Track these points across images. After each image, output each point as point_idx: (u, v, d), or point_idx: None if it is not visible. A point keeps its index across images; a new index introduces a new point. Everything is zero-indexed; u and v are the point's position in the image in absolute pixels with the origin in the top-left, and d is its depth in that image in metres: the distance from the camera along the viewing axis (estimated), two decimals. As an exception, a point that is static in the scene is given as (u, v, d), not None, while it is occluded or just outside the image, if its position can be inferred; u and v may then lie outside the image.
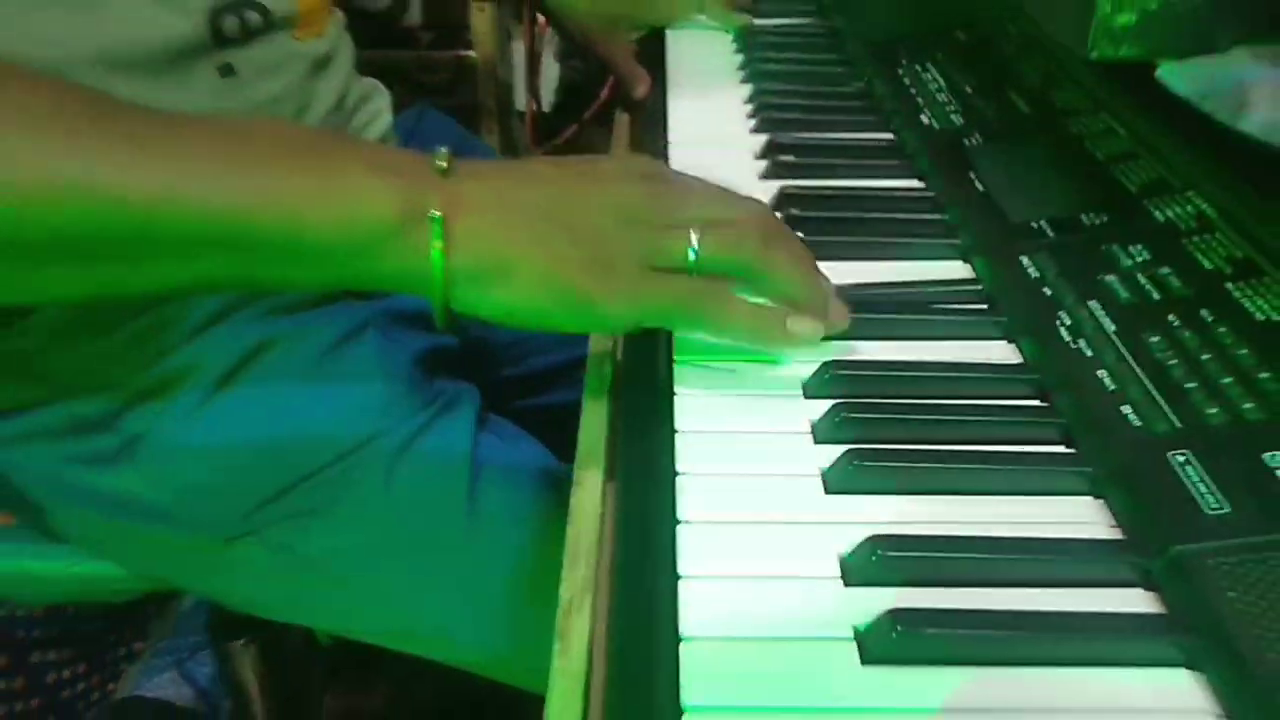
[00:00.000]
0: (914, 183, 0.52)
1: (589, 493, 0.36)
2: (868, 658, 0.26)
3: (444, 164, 0.34)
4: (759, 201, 0.38)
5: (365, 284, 0.36)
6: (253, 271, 0.34)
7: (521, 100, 1.08)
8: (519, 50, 1.06)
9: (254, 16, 0.48)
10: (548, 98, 1.07)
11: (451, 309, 0.34)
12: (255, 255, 0.33)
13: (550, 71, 1.06)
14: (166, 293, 0.40)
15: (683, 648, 0.27)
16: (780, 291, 0.36)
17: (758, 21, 0.77)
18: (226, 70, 0.47)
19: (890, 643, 0.26)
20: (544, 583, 0.45)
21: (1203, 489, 0.29)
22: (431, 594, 0.47)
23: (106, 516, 0.48)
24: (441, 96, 1.04)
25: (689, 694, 0.25)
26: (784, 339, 0.35)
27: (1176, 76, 0.37)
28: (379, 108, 0.60)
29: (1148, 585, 0.28)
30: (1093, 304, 0.38)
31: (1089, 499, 0.31)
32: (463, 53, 0.99)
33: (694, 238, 0.34)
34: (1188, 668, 0.26)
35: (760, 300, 0.36)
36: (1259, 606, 0.25)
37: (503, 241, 0.34)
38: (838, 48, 0.73)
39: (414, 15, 1.01)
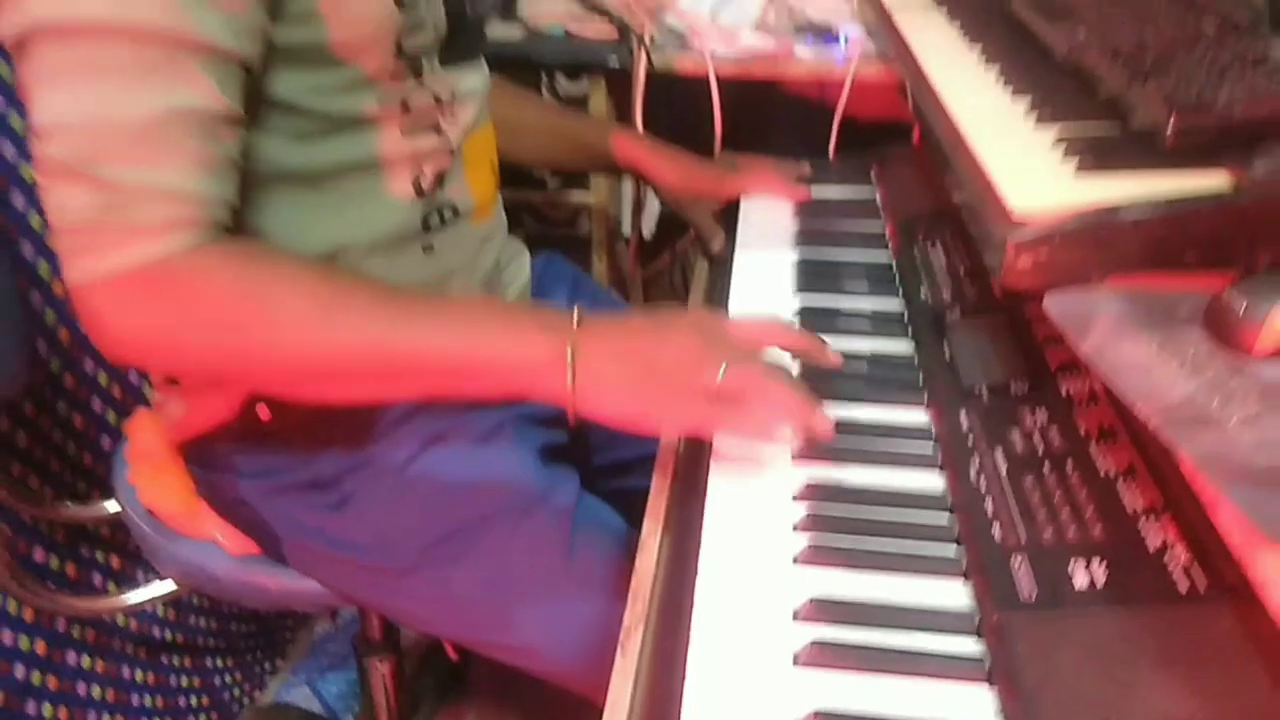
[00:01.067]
0: (905, 346, 0.70)
1: (648, 554, 0.56)
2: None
3: (577, 321, 0.56)
4: (776, 340, 0.59)
5: (526, 397, 0.57)
6: (463, 387, 0.57)
7: (627, 228, 1.31)
8: (627, 188, 1.29)
9: (449, 213, 0.71)
10: (649, 228, 1.29)
11: (576, 411, 0.56)
12: (468, 380, 0.56)
13: (651, 206, 1.28)
14: (403, 400, 0.64)
15: (691, 650, 0.46)
16: (772, 408, 0.55)
17: (815, 190, 0.96)
18: (428, 249, 0.70)
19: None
20: (613, 614, 0.65)
21: (1024, 581, 0.46)
22: (538, 617, 0.67)
23: (324, 549, 0.71)
24: (563, 228, 1.29)
25: (692, 672, 0.44)
26: (775, 439, 0.55)
27: (1054, 304, 0.55)
28: (522, 264, 0.83)
29: (977, 635, 0.46)
30: (996, 451, 0.56)
31: (959, 581, 0.49)
32: (581, 195, 1.24)
33: (717, 378, 0.54)
34: (988, 682, 0.43)
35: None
36: (1032, 651, 0.43)
37: (603, 372, 0.55)
38: (875, 218, 0.91)
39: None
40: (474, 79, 0.73)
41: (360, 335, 0.55)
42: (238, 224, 0.58)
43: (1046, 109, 0.68)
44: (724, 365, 0.54)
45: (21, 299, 0.87)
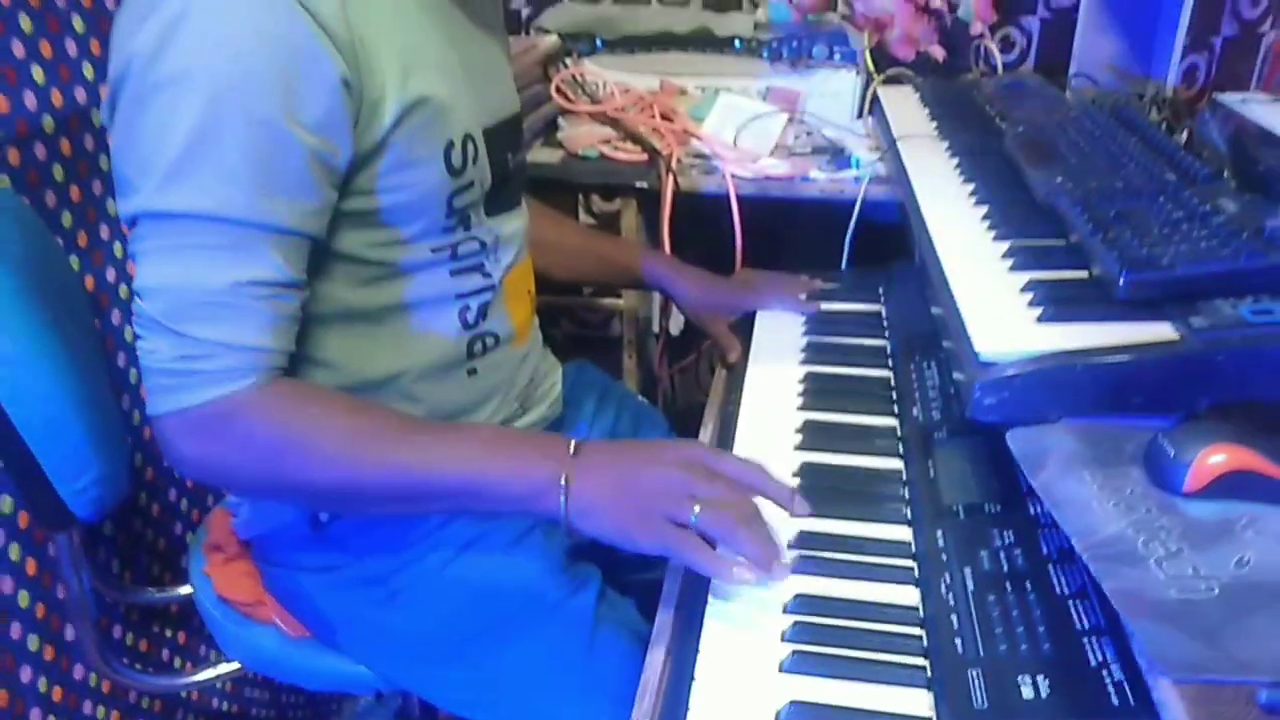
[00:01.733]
0: (896, 463, 0.77)
1: (656, 656, 0.63)
2: None
3: (573, 450, 0.65)
4: (752, 484, 0.65)
5: (529, 514, 0.67)
6: (475, 505, 0.66)
7: (657, 327, 1.41)
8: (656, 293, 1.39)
9: (490, 340, 0.81)
10: (677, 327, 1.39)
11: (569, 528, 0.64)
12: (479, 499, 0.65)
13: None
14: (427, 512, 0.73)
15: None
16: (736, 551, 0.61)
17: (825, 306, 1.05)
18: (472, 372, 0.80)
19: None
20: (627, 707, 0.72)
21: (978, 693, 0.53)
22: (560, 707, 0.75)
23: (373, 638, 0.79)
24: (597, 329, 1.39)
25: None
26: (731, 579, 0.60)
27: (1015, 439, 0.62)
28: (555, 377, 0.93)
29: (935, 742, 0.52)
30: (966, 569, 0.62)
31: (924, 690, 0.56)
32: (614, 300, 1.34)
33: (695, 510, 0.61)
34: (941, 786, 0.50)
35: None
36: (978, 758, 0.49)
37: (592, 497, 0.63)
38: (879, 334, 0.99)
39: (581, 276, 1.37)
40: (515, 222, 0.83)
41: (383, 469, 0.64)
42: (304, 359, 0.69)
43: (1020, 255, 0.76)
44: (697, 506, 0.61)
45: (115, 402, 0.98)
